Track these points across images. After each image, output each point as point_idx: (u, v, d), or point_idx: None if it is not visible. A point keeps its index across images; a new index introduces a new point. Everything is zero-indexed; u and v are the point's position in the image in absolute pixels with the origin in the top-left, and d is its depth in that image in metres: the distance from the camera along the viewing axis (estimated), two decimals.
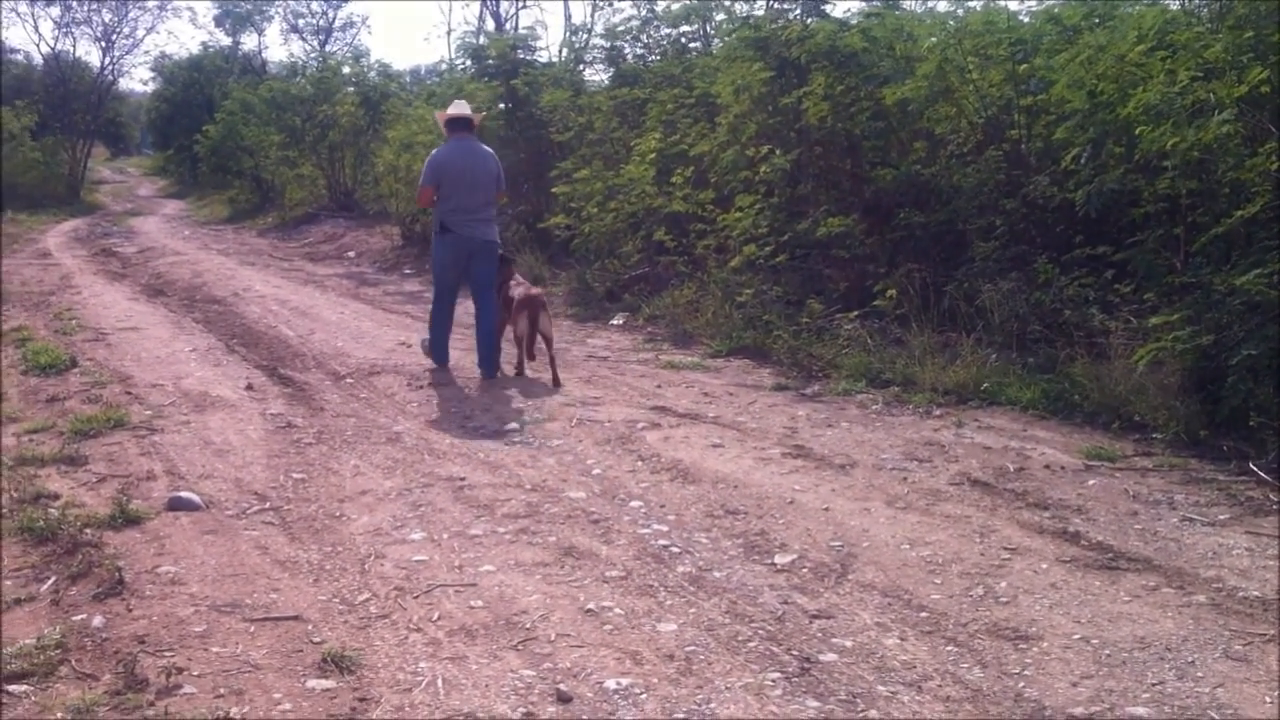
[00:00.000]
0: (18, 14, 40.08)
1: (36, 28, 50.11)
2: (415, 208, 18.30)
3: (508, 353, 9.28)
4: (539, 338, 8.87)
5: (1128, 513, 5.64)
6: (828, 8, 12.17)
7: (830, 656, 4.08)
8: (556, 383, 8.76)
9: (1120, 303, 8.01)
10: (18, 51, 43.87)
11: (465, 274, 9.43)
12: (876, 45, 10.89)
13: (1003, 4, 10.28)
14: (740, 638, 4.24)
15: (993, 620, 4.39)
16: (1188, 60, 7.87)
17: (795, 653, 4.11)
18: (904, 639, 4.23)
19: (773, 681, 3.89)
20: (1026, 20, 10.39)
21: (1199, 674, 3.94)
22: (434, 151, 9.66)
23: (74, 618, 4.42)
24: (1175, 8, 9.64)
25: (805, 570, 4.93)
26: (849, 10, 12.15)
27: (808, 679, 3.92)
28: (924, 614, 4.45)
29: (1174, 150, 7.53)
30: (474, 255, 9.31)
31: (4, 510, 5.67)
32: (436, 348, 9.54)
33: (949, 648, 4.16)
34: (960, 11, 10.63)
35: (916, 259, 9.67)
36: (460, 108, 9.69)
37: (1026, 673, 3.97)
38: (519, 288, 9.26)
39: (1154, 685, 3.87)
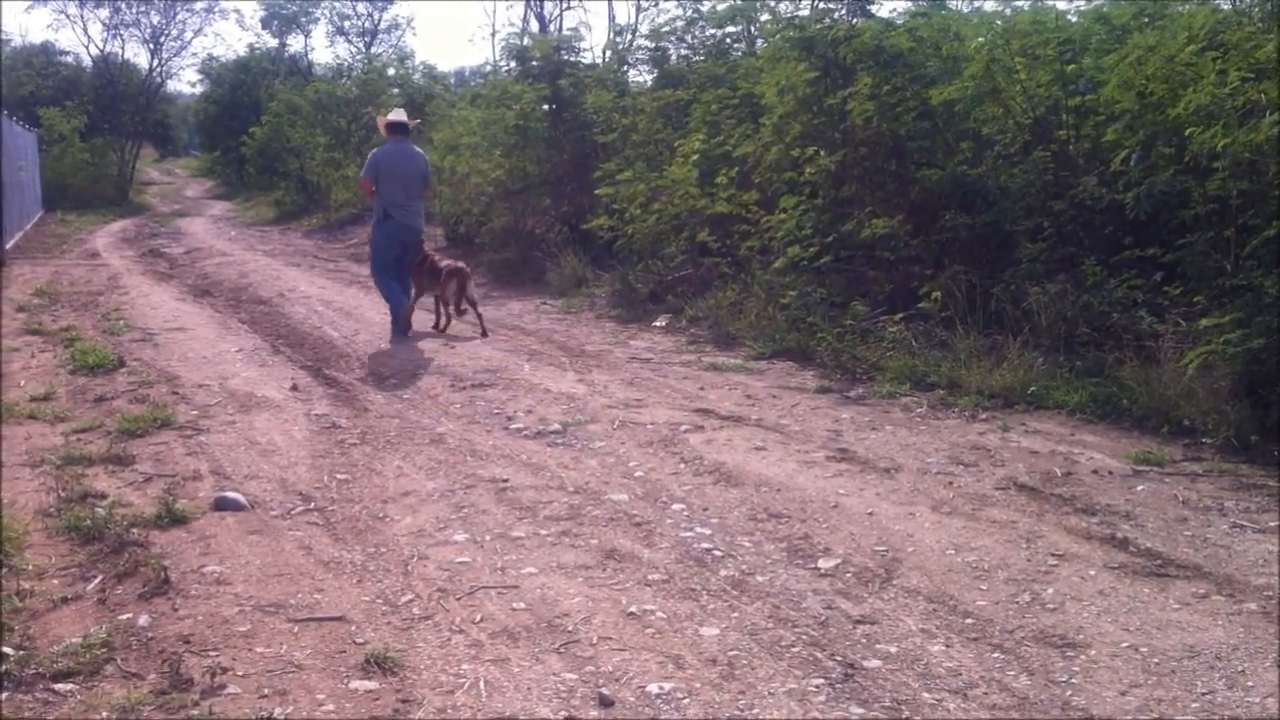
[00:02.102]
0: (67, 16, 40.46)
1: (86, 30, 50.68)
2: (458, 208, 18.51)
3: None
4: (464, 302, 11.38)
5: (1177, 519, 5.56)
6: (873, 8, 12.12)
7: (874, 663, 4.05)
8: (485, 334, 11.25)
9: (1170, 305, 7.93)
10: (67, 53, 44.34)
11: (401, 256, 11.31)
12: (923, 45, 10.82)
13: (1051, 4, 10.18)
14: (783, 643, 4.21)
15: (1040, 627, 4.34)
16: (1239, 61, 7.78)
17: (839, 658, 4.08)
18: (949, 645, 4.19)
19: (816, 687, 3.87)
20: (1075, 20, 10.30)
21: (1249, 683, 3.88)
22: (374, 150, 11.59)
23: (120, 617, 4.45)
24: (1226, 8, 9.53)
25: (849, 575, 4.90)
26: (895, 10, 12.09)
27: (851, 685, 3.88)
28: (970, 620, 4.41)
29: (1225, 151, 7.44)
30: (405, 240, 11.34)
31: (52, 509, 5.73)
32: (396, 318, 11.22)
33: (995, 655, 4.11)
34: (1008, 11, 10.53)
35: (962, 261, 9.59)
36: (399, 115, 11.75)
37: (1074, 681, 3.92)
38: (445, 261, 11.61)
39: (1204, 694, 3.81)
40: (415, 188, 11.34)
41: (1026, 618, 4.43)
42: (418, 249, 11.55)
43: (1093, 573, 4.89)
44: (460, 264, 11.47)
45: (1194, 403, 7.04)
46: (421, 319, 11.68)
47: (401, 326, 11.16)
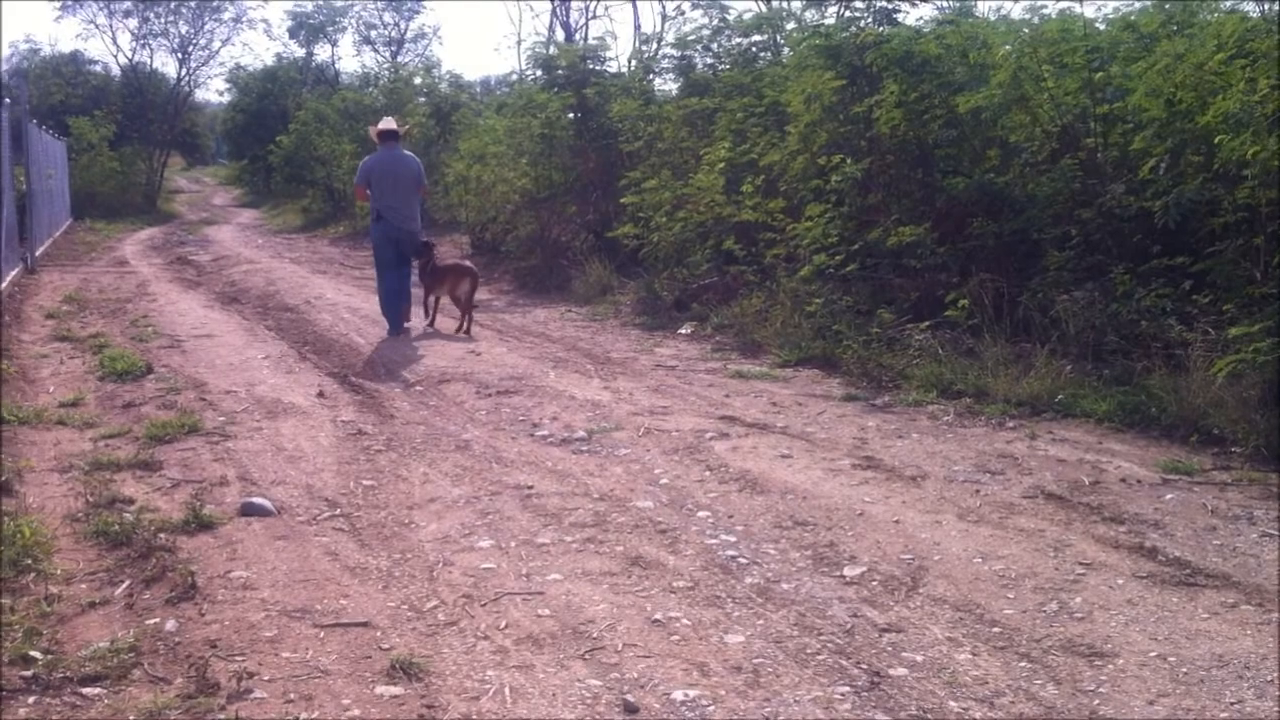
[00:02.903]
0: (96, 26, 40.59)
1: (115, 39, 51.09)
2: (484, 216, 18.59)
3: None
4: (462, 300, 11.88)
5: (1206, 528, 5.52)
6: (899, 16, 12.10)
7: (900, 671, 4.03)
8: (468, 333, 11.72)
9: (1199, 314, 7.88)
10: (97, 63, 44.64)
11: (397, 256, 11.84)
12: (950, 53, 10.80)
13: (1079, 12, 10.15)
14: (809, 650, 4.20)
15: (1067, 636, 4.31)
16: (1268, 68, 7.73)
17: (865, 666, 4.06)
18: (976, 654, 4.17)
19: (842, 695, 3.85)
20: (1103, 28, 10.25)
21: (1278, 693, 3.84)
22: (366, 158, 12.16)
23: (147, 621, 4.47)
24: (1255, 15, 9.47)
25: (875, 583, 4.88)
26: (920, 19, 12.05)
27: (877, 693, 3.87)
28: (997, 629, 4.38)
29: (1254, 159, 7.40)
30: (400, 241, 11.84)
31: (80, 514, 5.76)
32: (390, 317, 11.79)
33: (1022, 664, 4.09)
34: (1035, 20, 10.49)
35: (989, 269, 9.56)
36: (388, 123, 12.25)
37: (1102, 690, 3.89)
38: (449, 261, 12.46)
39: (1232, 704, 3.78)
40: (409, 190, 11.91)
41: (1054, 626, 4.41)
42: (415, 248, 12.06)
43: (1121, 582, 4.86)
44: (468, 263, 12.16)
45: (1223, 411, 6.99)
46: (443, 323, 11.88)
47: (396, 327, 11.74)
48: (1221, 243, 7.93)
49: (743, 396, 8.63)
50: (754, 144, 12.65)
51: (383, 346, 10.98)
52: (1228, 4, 10.31)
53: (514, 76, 27.13)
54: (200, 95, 49.34)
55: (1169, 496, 6.00)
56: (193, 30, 40.78)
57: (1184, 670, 4.03)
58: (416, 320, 12.29)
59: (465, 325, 11.90)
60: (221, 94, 49.87)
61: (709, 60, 16.70)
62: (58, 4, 40.09)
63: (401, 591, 4.80)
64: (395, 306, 11.84)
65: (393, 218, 11.77)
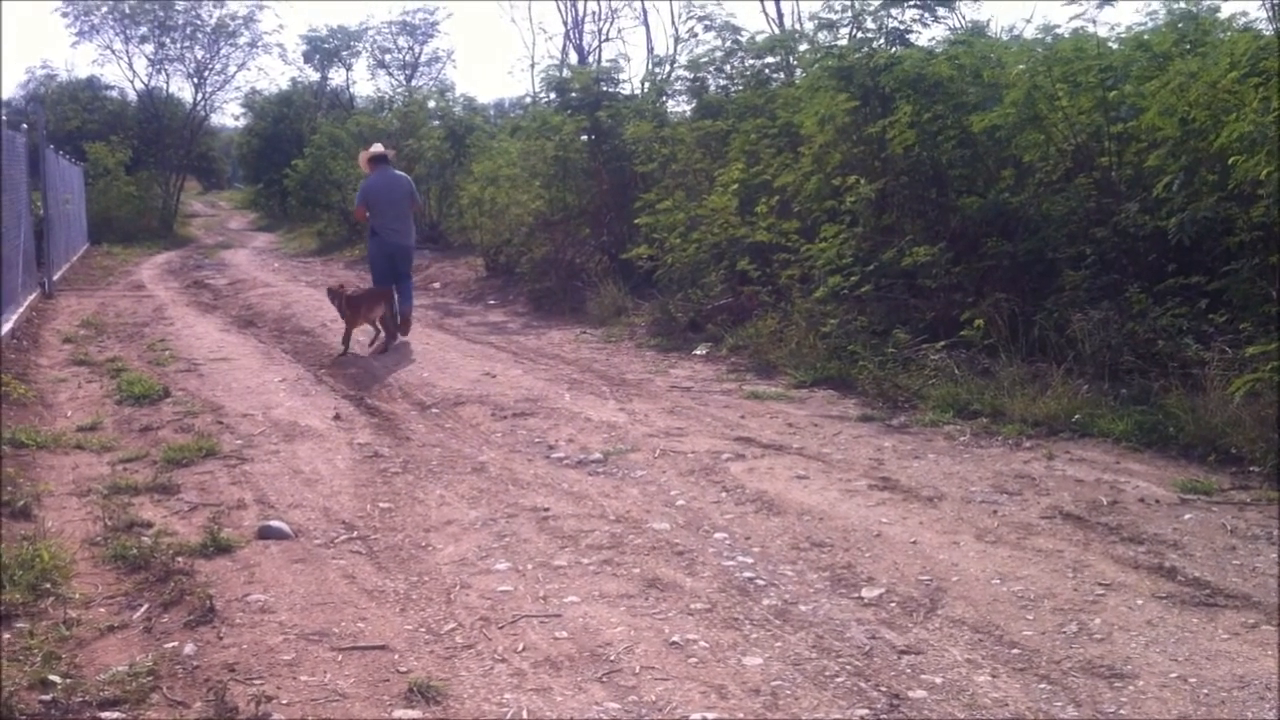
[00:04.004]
0: (113, 52, 40.66)
1: (131, 65, 51.17)
2: (498, 239, 18.68)
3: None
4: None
5: (1225, 548, 5.49)
6: (911, 36, 12.12)
7: (920, 693, 4.01)
8: (384, 351, 12.10)
9: (1215, 333, 7.85)
10: (113, 88, 44.80)
11: (390, 270, 12.70)
12: (963, 73, 10.81)
13: (1091, 30, 10.14)
14: (827, 673, 4.19)
15: (1087, 658, 4.29)
16: None
17: (883, 689, 4.05)
18: (995, 676, 4.15)
19: (861, 718, 3.84)
20: (1116, 47, 10.25)
21: None
22: (364, 181, 13.10)
23: (166, 645, 4.48)
24: (1269, 34, 9.45)
25: (893, 604, 4.87)
26: (932, 39, 12.07)
27: (896, 716, 3.85)
28: (1016, 651, 4.37)
29: (1269, 178, 7.38)
30: (394, 255, 12.79)
31: (99, 538, 5.78)
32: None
33: (1042, 685, 4.07)
34: (1048, 39, 10.50)
35: (1004, 288, 9.54)
36: (378, 149, 13.34)
37: (1122, 712, 3.87)
38: (360, 290, 12.62)
39: None
40: (403, 208, 12.94)
41: (1073, 648, 4.39)
42: (408, 263, 13.15)
43: (1140, 602, 4.84)
44: (371, 288, 12.61)
45: (1241, 430, 6.96)
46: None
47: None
48: (1237, 261, 7.90)
49: (758, 417, 8.62)
50: (768, 165, 12.66)
51: (399, 370, 11.00)
52: (1241, 23, 10.31)
53: (528, 99, 27.35)
54: (216, 120, 49.51)
55: (1188, 516, 5.97)
56: (208, 55, 40.98)
57: (1205, 691, 4.00)
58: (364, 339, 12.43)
59: (387, 342, 12.30)
60: (237, 118, 50.11)
61: (722, 82, 16.74)
62: (74, 30, 40.38)
63: (419, 614, 4.80)
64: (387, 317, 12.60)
65: (388, 235, 12.72)
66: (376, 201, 12.74)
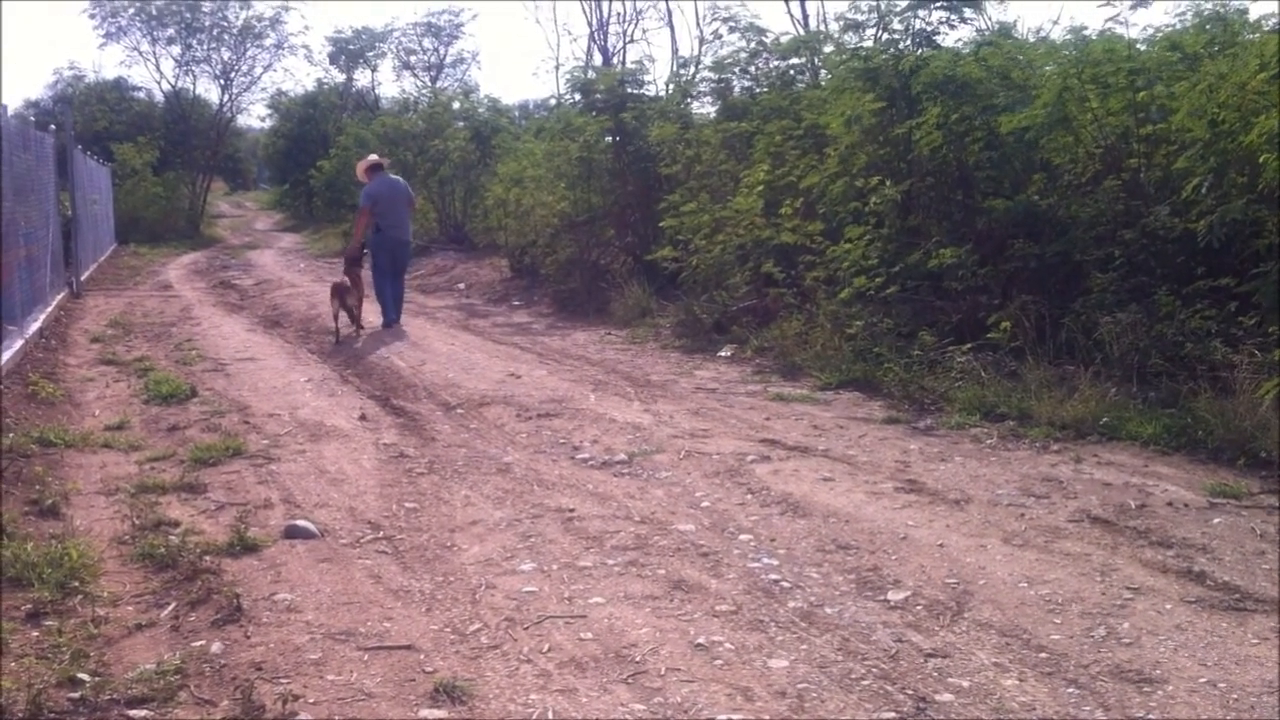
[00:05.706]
0: (140, 53, 40.84)
1: (158, 66, 51.50)
2: (523, 239, 18.75)
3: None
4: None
5: (1255, 552, 5.45)
6: (938, 38, 12.07)
7: (946, 696, 3.99)
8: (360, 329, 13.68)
9: (1244, 335, 7.79)
10: (140, 89, 44.93)
11: (391, 262, 14.41)
12: (992, 74, 10.76)
13: (1121, 32, 10.08)
14: (853, 675, 4.17)
15: (1115, 662, 4.27)
16: None
17: (910, 692, 4.03)
18: (1023, 680, 4.12)
19: None
20: (1145, 48, 10.20)
21: None
22: (366, 186, 14.50)
23: (193, 644, 4.50)
24: None
25: (920, 607, 4.85)
26: (959, 40, 12.02)
27: (923, 719, 3.83)
28: (1043, 654, 4.34)
29: None
30: (395, 249, 14.47)
31: (126, 536, 5.81)
32: (385, 309, 14.28)
33: (1070, 690, 4.04)
34: (1079, 40, 10.45)
35: (1031, 291, 9.49)
36: (374, 158, 15.24)
37: (1151, 717, 3.84)
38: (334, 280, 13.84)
39: None
40: (403, 209, 14.69)
41: (1102, 652, 4.36)
42: (407, 256, 15.00)
43: (1169, 606, 4.80)
44: (344, 279, 13.60)
45: (1270, 434, 6.91)
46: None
47: (388, 318, 14.24)
48: (1266, 264, 7.85)
49: (783, 419, 8.60)
50: (792, 166, 12.63)
51: (424, 370, 11.02)
52: (1270, 24, 10.23)
53: (552, 100, 27.27)
54: (242, 121, 49.76)
55: (1216, 520, 5.93)
56: (235, 57, 41.13)
57: (1234, 696, 3.97)
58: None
59: (354, 330, 13.66)
60: (263, 119, 50.32)
61: (746, 83, 16.71)
62: (102, 32, 40.59)
63: (444, 614, 4.81)
64: (388, 301, 14.30)
65: (390, 231, 14.38)
66: (379, 203, 14.30)
